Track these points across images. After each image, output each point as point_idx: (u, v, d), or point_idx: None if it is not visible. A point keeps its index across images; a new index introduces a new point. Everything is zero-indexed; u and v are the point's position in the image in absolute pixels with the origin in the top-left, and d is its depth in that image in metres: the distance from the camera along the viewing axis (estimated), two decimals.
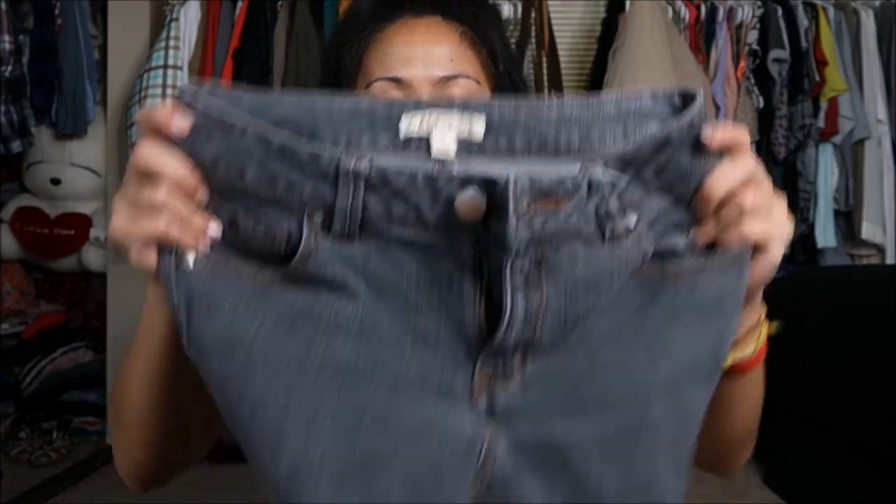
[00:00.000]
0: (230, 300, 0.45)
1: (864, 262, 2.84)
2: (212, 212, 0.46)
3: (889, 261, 2.78)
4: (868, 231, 2.74)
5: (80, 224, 2.79)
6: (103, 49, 2.76)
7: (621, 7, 2.55)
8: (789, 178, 2.71)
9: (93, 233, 2.78)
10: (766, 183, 0.49)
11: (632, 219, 0.46)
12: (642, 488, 0.48)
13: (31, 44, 2.58)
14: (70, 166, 2.74)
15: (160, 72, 2.43)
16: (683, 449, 0.49)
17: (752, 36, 2.63)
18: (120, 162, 2.69)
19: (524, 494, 0.47)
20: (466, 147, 0.46)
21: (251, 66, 2.42)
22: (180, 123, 0.44)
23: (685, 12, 2.60)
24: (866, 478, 1.95)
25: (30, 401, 2.65)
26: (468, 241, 0.45)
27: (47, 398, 2.67)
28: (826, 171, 2.75)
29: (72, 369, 2.71)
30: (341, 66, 0.79)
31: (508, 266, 0.44)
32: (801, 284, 2.40)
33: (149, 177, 0.45)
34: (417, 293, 0.46)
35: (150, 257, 0.45)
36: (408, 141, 0.46)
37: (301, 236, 0.45)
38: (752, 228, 0.48)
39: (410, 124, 0.46)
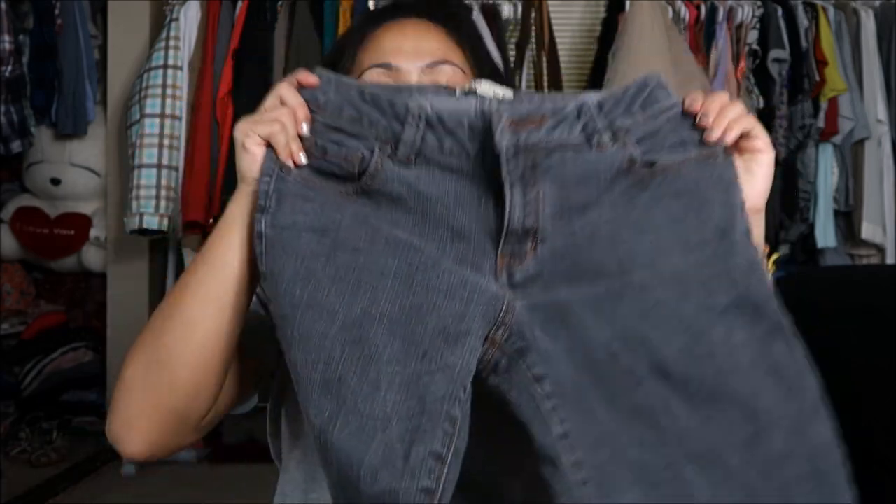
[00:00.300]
0: (321, 198, 0.62)
1: (864, 262, 2.84)
2: (312, 144, 0.64)
3: (889, 261, 2.78)
4: (868, 231, 2.74)
5: (80, 224, 2.79)
6: (103, 49, 2.76)
7: (621, 7, 2.55)
8: (789, 178, 2.71)
9: (93, 233, 2.78)
10: None
11: (618, 133, 0.61)
12: (624, 340, 0.58)
13: (31, 44, 2.58)
14: (70, 166, 2.74)
15: (160, 72, 2.43)
16: (683, 308, 0.59)
17: (752, 36, 2.63)
18: (120, 162, 2.69)
19: (535, 339, 0.59)
20: (499, 103, 0.63)
21: (251, 66, 2.42)
22: (311, 79, 0.66)
23: (685, 12, 2.60)
24: (866, 478, 1.95)
25: (30, 401, 2.65)
26: (493, 167, 0.60)
27: (47, 398, 2.67)
28: (826, 171, 2.75)
29: (72, 369, 2.71)
30: (336, 69, 0.83)
31: (504, 167, 0.59)
32: (801, 284, 2.39)
33: (276, 103, 0.65)
34: (454, 204, 0.61)
35: (258, 150, 0.64)
36: (461, 95, 0.64)
37: (372, 158, 0.62)
38: (743, 122, 0.63)
39: (462, 88, 0.65)
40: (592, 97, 0.61)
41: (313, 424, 0.57)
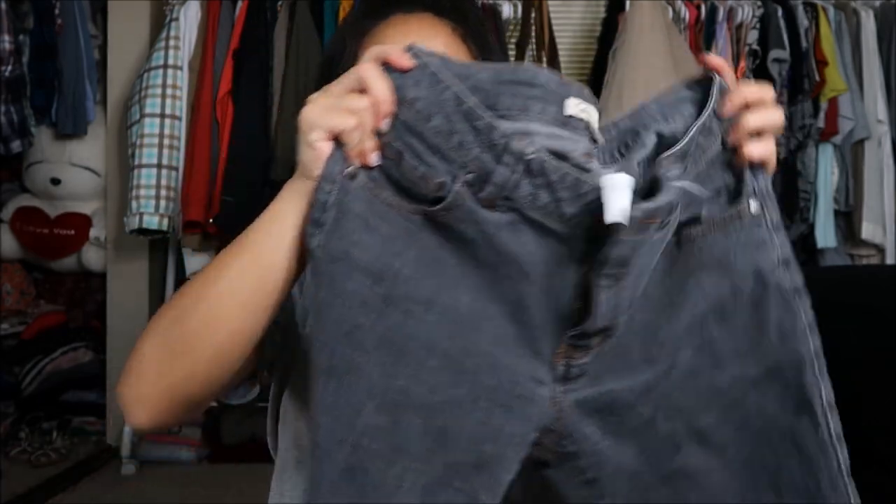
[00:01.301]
0: (384, 229, 0.53)
1: (864, 262, 2.84)
2: (388, 142, 0.53)
3: (889, 261, 2.78)
4: (868, 231, 2.74)
5: (80, 224, 2.79)
6: (103, 49, 2.76)
7: (621, 7, 2.55)
8: (789, 178, 2.71)
9: (93, 233, 2.78)
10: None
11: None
12: (664, 409, 0.57)
13: (31, 44, 2.58)
14: (70, 166, 2.74)
15: (160, 72, 2.43)
16: (717, 378, 0.57)
17: (752, 36, 2.63)
18: (120, 162, 2.69)
19: (586, 438, 0.57)
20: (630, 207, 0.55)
21: (251, 66, 2.42)
22: (406, 61, 0.53)
23: (685, 12, 2.60)
24: (866, 478, 1.95)
25: (30, 401, 2.65)
26: (584, 239, 0.53)
27: (47, 398, 2.67)
28: (826, 171, 2.75)
29: (72, 369, 2.71)
30: (335, 66, 0.80)
31: (603, 274, 0.52)
32: None
33: (357, 89, 0.54)
34: (530, 269, 0.54)
35: (325, 146, 0.54)
36: (569, 118, 0.54)
37: (452, 189, 0.52)
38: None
39: (575, 105, 0.54)
40: (687, 181, 0.54)
41: (326, 502, 0.54)
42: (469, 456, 0.55)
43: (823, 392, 0.57)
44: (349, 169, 0.53)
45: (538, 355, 0.55)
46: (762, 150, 0.58)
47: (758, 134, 0.59)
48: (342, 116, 0.53)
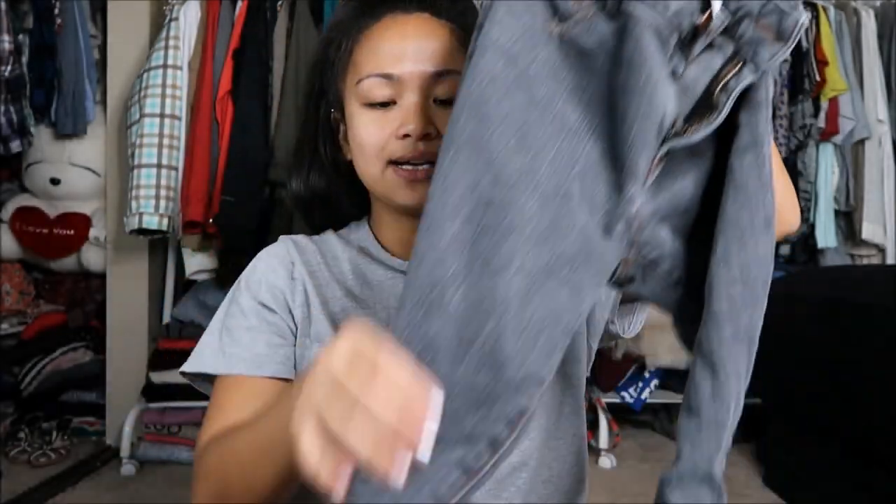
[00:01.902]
0: (527, 19, 0.54)
1: (864, 262, 2.85)
2: None
3: (889, 261, 2.78)
4: (868, 231, 2.74)
5: (80, 224, 2.78)
6: (103, 49, 2.76)
7: None
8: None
9: (92, 233, 2.78)
10: None
11: None
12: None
13: (30, 43, 2.58)
14: (70, 166, 2.74)
15: (160, 71, 2.43)
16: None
17: None
18: (119, 162, 2.69)
19: (664, 241, 0.58)
20: None
21: (251, 66, 2.42)
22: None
23: None
24: (866, 478, 1.95)
25: (29, 401, 2.65)
26: (679, 45, 0.53)
27: (47, 398, 2.67)
28: (826, 171, 2.75)
29: (71, 369, 2.71)
30: (329, 63, 0.80)
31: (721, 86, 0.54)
32: (801, 284, 2.40)
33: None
34: (637, 78, 0.52)
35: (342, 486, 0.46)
36: None
37: (594, 5, 0.53)
38: None
39: None
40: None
41: (429, 273, 0.51)
42: (579, 247, 0.54)
43: (768, 138, 0.57)
44: None
45: (633, 171, 0.54)
46: None
47: None
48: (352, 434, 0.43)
